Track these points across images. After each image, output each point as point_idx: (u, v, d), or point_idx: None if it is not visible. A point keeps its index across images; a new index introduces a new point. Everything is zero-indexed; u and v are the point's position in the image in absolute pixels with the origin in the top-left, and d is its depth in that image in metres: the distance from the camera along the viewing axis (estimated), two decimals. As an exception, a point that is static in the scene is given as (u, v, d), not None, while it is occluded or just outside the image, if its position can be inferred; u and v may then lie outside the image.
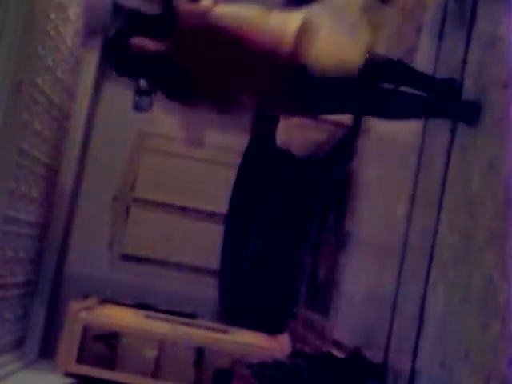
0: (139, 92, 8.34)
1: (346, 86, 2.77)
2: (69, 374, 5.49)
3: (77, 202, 7.21)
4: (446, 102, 2.76)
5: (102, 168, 7.21)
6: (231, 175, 6.62)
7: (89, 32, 6.79)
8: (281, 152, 5.85)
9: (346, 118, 4.96)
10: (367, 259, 4.04)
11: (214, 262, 6.66)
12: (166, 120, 7.42)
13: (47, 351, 6.46)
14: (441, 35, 3.22)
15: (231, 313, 6.73)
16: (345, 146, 5.09)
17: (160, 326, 5.75)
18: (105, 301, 6.36)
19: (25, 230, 5.94)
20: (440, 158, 2.85)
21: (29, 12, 4.87)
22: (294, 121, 5.17)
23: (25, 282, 6.23)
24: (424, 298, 2.74)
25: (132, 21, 3.10)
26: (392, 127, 3.96)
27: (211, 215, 7.18)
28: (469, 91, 2.70)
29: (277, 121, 5.97)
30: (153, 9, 6.79)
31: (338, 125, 4.98)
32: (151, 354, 5.72)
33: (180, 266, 7.24)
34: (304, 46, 2.71)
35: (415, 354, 2.72)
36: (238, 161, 6.68)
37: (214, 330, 5.97)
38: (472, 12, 2.82)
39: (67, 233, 7.10)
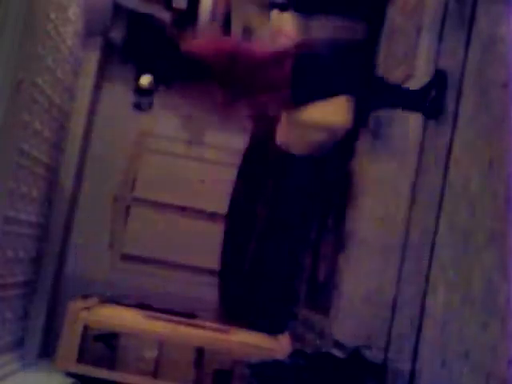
0: (139, 92, 8.35)
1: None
2: (69, 374, 5.49)
3: (77, 202, 7.21)
4: None
5: (102, 168, 7.21)
6: (231, 175, 6.62)
7: (89, 32, 6.80)
8: (281, 152, 5.85)
9: (346, 119, 4.96)
10: (367, 259, 4.04)
11: (214, 262, 6.66)
12: (165, 120, 7.43)
13: (47, 351, 6.47)
14: (441, 35, 3.22)
15: (231, 313, 6.72)
16: (345, 146, 5.08)
17: (160, 326, 5.75)
18: (105, 301, 6.36)
19: (25, 230, 5.94)
20: (440, 158, 2.85)
21: (29, 12, 4.88)
22: (294, 121, 5.17)
23: (25, 282, 6.23)
24: (424, 297, 2.74)
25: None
26: (392, 127, 3.97)
27: (211, 215, 7.19)
28: (469, 91, 2.70)
29: (277, 121, 5.97)
30: (152, 9, 6.80)
31: (338, 125, 4.98)
32: (151, 354, 5.72)
33: (180, 266, 7.24)
34: None
35: (415, 354, 2.72)
36: (238, 161, 6.68)
37: (214, 329, 5.96)
38: (472, 12, 2.82)
39: (67, 233, 7.10)
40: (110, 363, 5.72)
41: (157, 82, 3.44)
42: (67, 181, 6.92)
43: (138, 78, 7.37)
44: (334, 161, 5.46)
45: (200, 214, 7.28)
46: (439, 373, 2.42)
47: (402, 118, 3.68)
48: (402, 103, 3.43)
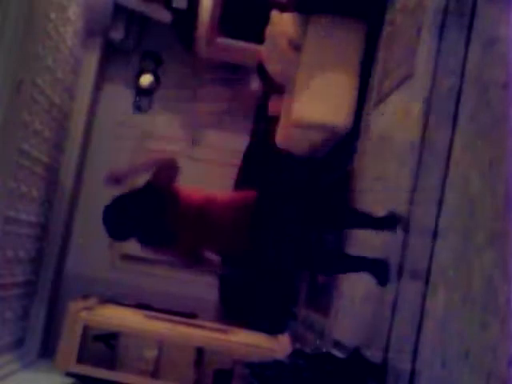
0: (139, 92, 8.32)
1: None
2: (69, 374, 5.49)
3: (77, 202, 7.20)
4: None
5: (102, 168, 7.20)
6: (231, 175, 6.61)
7: (89, 32, 6.80)
8: (281, 152, 5.85)
9: (346, 119, 4.96)
10: (367, 259, 4.03)
11: (214, 262, 6.65)
12: (165, 120, 7.43)
13: (47, 351, 6.47)
14: (441, 35, 3.22)
15: (231, 313, 6.72)
16: (345, 146, 5.08)
17: (160, 326, 5.75)
18: (105, 301, 6.36)
19: (25, 230, 5.94)
20: (440, 157, 2.85)
21: (29, 12, 4.88)
22: (294, 121, 5.17)
23: (25, 282, 6.23)
24: (424, 297, 2.74)
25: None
26: (392, 127, 3.97)
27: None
28: (469, 91, 2.70)
29: (277, 121, 5.97)
30: (152, 10, 6.78)
31: (338, 125, 4.98)
32: (151, 353, 5.72)
33: (180, 266, 7.23)
34: None
35: (415, 354, 2.72)
36: (238, 161, 6.67)
37: (213, 330, 5.97)
38: (472, 12, 2.81)
39: (67, 233, 7.09)
40: (110, 363, 5.72)
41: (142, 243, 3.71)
42: (67, 181, 6.93)
43: (138, 78, 7.38)
44: (334, 161, 5.46)
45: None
46: (439, 373, 2.42)
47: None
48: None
